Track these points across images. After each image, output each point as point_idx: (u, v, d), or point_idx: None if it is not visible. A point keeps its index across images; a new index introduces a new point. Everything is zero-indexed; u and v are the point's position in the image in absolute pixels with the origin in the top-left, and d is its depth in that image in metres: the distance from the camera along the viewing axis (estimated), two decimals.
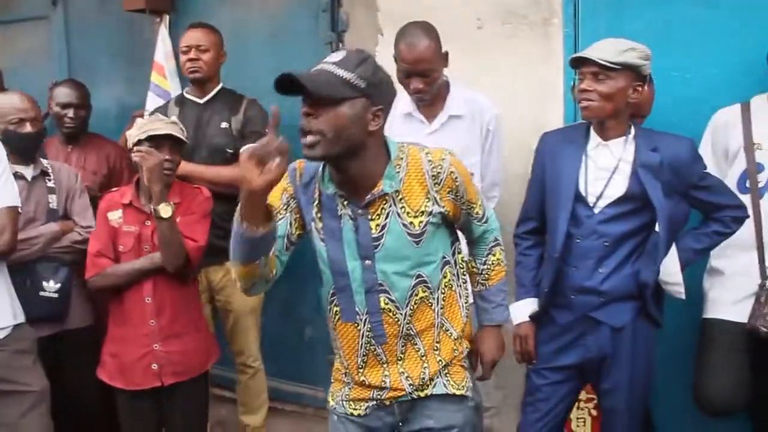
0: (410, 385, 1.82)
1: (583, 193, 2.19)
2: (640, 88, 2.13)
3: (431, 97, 2.55)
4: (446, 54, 2.54)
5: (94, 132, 3.45)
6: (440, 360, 1.84)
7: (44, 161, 2.83)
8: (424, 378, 1.82)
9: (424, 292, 1.78)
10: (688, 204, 2.24)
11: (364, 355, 1.82)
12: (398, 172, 1.71)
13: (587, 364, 2.26)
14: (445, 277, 1.83)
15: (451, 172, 1.75)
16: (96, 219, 2.63)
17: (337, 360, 1.92)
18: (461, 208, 1.83)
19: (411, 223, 1.72)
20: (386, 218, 1.71)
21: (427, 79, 2.47)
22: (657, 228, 2.14)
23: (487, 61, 2.99)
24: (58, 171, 2.84)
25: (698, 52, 2.66)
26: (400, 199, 1.72)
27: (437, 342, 1.83)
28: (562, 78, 2.89)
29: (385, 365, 1.82)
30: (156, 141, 2.47)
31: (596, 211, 2.18)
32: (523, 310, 2.34)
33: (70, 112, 3.26)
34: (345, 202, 1.72)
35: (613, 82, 2.10)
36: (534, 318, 2.32)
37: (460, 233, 1.95)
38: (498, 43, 2.99)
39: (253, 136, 2.96)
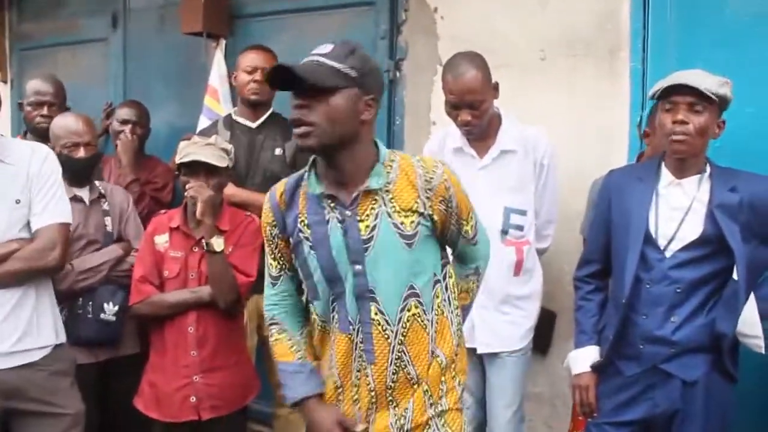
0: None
1: (654, 235, 2.04)
2: (722, 125, 1.99)
3: (481, 131, 2.41)
4: (496, 85, 2.40)
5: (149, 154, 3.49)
6: (427, 391, 1.71)
7: (98, 183, 2.81)
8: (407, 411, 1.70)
9: (416, 308, 1.68)
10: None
11: (357, 371, 1.71)
12: (389, 172, 1.66)
13: (655, 420, 2.08)
14: (437, 297, 1.72)
15: (444, 180, 1.67)
16: (142, 242, 2.57)
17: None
18: (450, 223, 1.72)
19: (402, 222, 1.64)
20: (376, 218, 1.64)
21: (476, 111, 2.34)
22: (735, 275, 1.97)
23: (550, 93, 2.87)
24: (111, 193, 2.81)
25: None
26: (391, 198, 1.65)
27: (427, 371, 1.72)
28: (628, 113, 2.76)
29: (373, 404, 1.70)
30: (191, 166, 2.40)
31: (668, 254, 2.02)
32: (583, 359, 2.19)
33: (128, 130, 3.29)
34: (332, 204, 1.66)
35: (708, 115, 1.95)
36: (596, 368, 2.16)
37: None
38: (562, 75, 2.88)
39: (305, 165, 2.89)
